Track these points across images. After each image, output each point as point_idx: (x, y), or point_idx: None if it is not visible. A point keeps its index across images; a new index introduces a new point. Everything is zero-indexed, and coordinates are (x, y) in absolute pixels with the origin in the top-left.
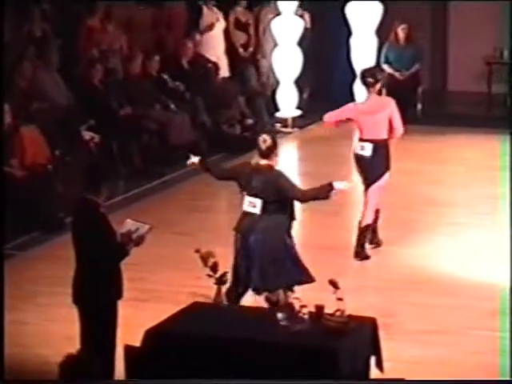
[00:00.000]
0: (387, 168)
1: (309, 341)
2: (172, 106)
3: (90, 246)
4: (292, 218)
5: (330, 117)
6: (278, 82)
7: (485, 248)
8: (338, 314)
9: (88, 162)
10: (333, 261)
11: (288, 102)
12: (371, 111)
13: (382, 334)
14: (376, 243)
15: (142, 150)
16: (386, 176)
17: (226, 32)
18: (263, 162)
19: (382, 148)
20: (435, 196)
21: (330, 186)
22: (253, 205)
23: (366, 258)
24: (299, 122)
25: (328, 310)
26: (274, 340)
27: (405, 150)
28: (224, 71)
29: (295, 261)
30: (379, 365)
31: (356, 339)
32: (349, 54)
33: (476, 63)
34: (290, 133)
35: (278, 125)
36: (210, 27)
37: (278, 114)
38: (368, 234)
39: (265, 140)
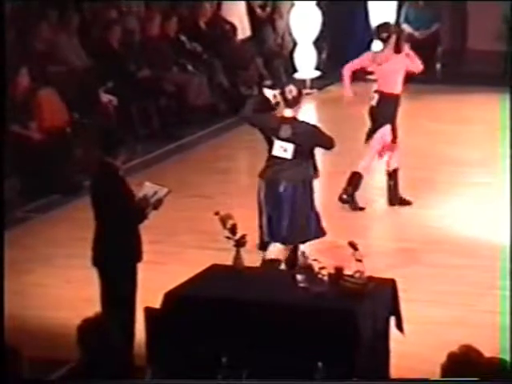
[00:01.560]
0: (388, 121)
1: (328, 302)
2: (190, 67)
3: (109, 208)
4: (316, 169)
5: (349, 67)
6: (295, 43)
7: (502, 208)
8: (357, 275)
9: (106, 125)
10: (350, 222)
11: (306, 63)
12: (383, 61)
13: (401, 295)
14: (399, 203)
15: (160, 113)
16: (387, 128)
17: None
18: (289, 112)
19: (387, 100)
20: (454, 156)
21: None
22: (284, 149)
23: (406, 202)
24: (317, 83)
25: (347, 272)
26: (294, 302)
27: (423, 109)
28: (245, 32)
29: (317, 214)
30: (399, 326)
31: (375, 300)
32: (367, 15)
33: (496, 22)
34: (308, 94)
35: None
36: None
37: (296, 75)
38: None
39: (291, 90)
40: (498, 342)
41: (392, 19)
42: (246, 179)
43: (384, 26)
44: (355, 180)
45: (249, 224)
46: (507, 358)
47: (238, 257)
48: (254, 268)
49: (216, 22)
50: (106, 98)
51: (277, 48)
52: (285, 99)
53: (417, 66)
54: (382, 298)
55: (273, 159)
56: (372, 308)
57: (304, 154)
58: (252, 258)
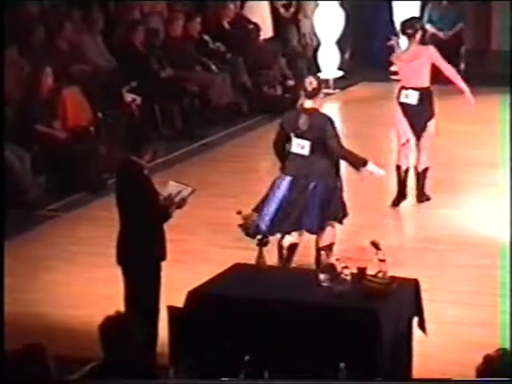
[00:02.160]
0: (433, 114)
1: (351, 302)
2: (213, 67)
3: (134, 207)
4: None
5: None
6: (319, 43)
7: None
8: (380, 275)
9: (130, 124)
10: (374, 222)
11: (329, 63)
12: (411, 59)
13: (423, 295)
14: (425, 199)
15: (183, 112)
16: (433, 122)
17: None
18: (309, 103)
19: (425, 95)
20: (478, 157)
21: (364, 163)
22: (301, 146)
23: (428, 199)
24: (340, 83)
25: (370, 272)
26: (316, 302)
27: (447, 110)
28: (268, 31)
29: (342, 201)
30: (422, 326)
31: (398, 300)
32: (391, 15)
33: None
34: (331, 94)
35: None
36: None
37: (319, 75)
38: (426, 179)
39: (311, 82)
40: None
41: None
42: (268, 179)
43: (410, 22)
44: (425, 176)
45: None
46: None
47: (260, 256)
48: (277, 267)
49: (239, 22)
50: (129, 97)
51: (300, 48)
52: (305, 90)
53: (446, 68)
54: (405, 298)
55: (292, 155)
56: (395, 308)
57: (322, 150)
58: (275, 258)
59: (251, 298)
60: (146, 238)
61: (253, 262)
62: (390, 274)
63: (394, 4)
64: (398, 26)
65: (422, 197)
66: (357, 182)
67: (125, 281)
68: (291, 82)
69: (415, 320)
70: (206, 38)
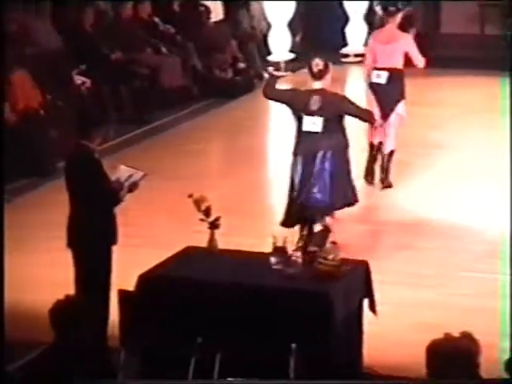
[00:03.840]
0: (402, 96)
1: (302, 284)
2: (163, 49)
3: (84, 191)
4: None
5: (368, 69)
6: (270, 26)
7: (481, 191)
8: (330, 257)
9: (80, 107)
10: None
11: (280, 46)
12: (386, 41)
13: (375, 277)
14: (387, 185)
15: (133, 95)
16: (402, 104)
17: None
18: (317, 84)
19: (396, 76)
20: (431, 139)
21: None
22: (313, 122)
23: (389, 186)
24: (292, 66)
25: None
26: (268, 284)
27: None
28: (218, 14)
29: (353, 181)
30: (372, 307)
31: (349, 282)
32: None
33: (469, 5)
34: (282, 76)
35: (271, 68)
36: None
37: (270, 58)
38: (390, 162)
39: (317, 64)
40: (468, 325)
41: (365, 1)
42: (220, 161)
43: (393, 1)
44: (390, 160)
45: (223, 206)
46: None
47: (212, 239)
48: (228, 250)
49: (189, 5)
50: (79, 80)
51: (251, 31)
52: (311, 72)
53: (418, 60)
54: (356, 280)
55: (304, 135)
56: (345, 290)
57: (334, 126)
58: (226, 241)
59: (202, 280)
60: (96, 222)
61: (204, 245)
62: (340, 256)
63: None
64: (347, 8)
65: (385, 181)
66: None
67: (75, 264)
68: (242, 65)
69: (366, 301)
70: (156, 20)
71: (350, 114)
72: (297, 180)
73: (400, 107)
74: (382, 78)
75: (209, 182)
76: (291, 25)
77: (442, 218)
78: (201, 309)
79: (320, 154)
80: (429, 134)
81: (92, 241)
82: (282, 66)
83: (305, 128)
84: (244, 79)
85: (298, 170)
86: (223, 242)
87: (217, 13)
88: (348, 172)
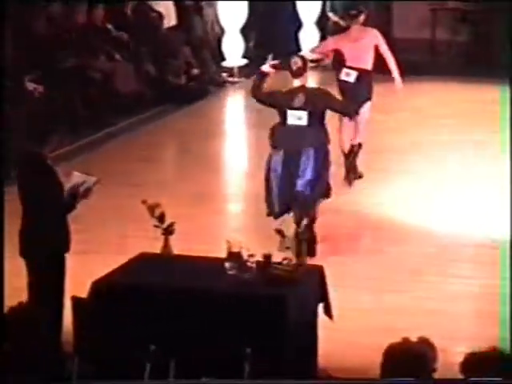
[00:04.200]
0: (369, 96)
1: (257, 289)
2: (117, 55)
3: (37, 198)
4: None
5: (313, 51)
6: (223, 31)
7: (436, 195)
8: (285, 262)
9: (33, 113)
10: None
11: (234, 51)
12: (354, 39)
13: (331, 281)
14: (358, 177)
15: (87, 101)
16: (369, 104)
17: None
18: (297, 82)
19: (364, 76)
20: (384, 143)
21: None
22: (298, 117)
23: (360, 176)
24: (245, 71)
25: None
26: (222, 290)
27: None
28: (171, 20)
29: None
30: (327, 312)
31: (304, 287)
32: (294, 3)
33: (421, 10)
34: (236, 82)
35: (225, 74)
36: None
37: (224, 64)
38: (357, 156)
39: (296, 61)
40: (428, 328)
41: (318, 8)
42: (174, 167)
43: (354, 5)
44: (357, 152)
45: (177, 212)
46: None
47: (166, 245)
48: (183, 256)
49: (142, 11)
50: (32, 86)
51: (204, 36)
52: (291, 70)
53: (387, 56)
54: (311, 284)
55: (287, 128)
56: (301, 294)
57: (318, 120)
58: (181, 246)
59: (157, 287)
60: (49, 229)
61: (159, 251)
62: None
63: None
64: (300, 13)
65: (355, 173)
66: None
67: (28, 272)
68: (196, 71)
69: (321, 306)
70: (109, 26)
71: (333, 109)
72: (278, 172)
73: (367, 106)
74: (351, 76)
75: (163, 187)
76: (244, 30)
77: (401, 222)
78: (155, 315)
79: (304, 148)
80: (380, 138)
81: (44, 248)
82: (236, 71)
83: (289, 122)
84: (198, 85)
85: (279, 162)
86: (178, 248)
87: (170, 18)
88: (328, 166)
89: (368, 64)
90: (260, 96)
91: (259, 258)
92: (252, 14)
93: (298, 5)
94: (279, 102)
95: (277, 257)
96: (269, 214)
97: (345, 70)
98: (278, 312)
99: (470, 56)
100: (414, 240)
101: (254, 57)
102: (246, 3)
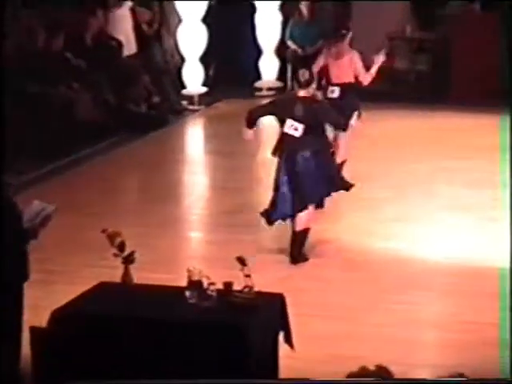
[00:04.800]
0: (355, 108)
1: (217, 318)
2: (76, 84)
3: None
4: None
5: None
6: (183, 59)
7: (396, 221)
8: (246, 290)
9: None
10: (240, 238)
11: (194, 80)
12: (339, 57)
13: (290, 309)
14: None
15: (47, 129)
16: (355, 116)
17: (133, 9)
18: (302, 92)
19: (349, 91)
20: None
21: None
22: (294, 128)
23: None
24: (206, 100)
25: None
26: (183, 318)
27: None
28: (131, 48)
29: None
30: (288, 340)
31: (264, 315)
32: (254, 31)
33: (379, 38)
34: (196, 110)
35: (185, 102)
36: (117, 5)
37: (184, 92)
38: (342, 169)
39: (303, 73)
40: (386, 355)
41: (277, 35)
42: (134, 196)
43: (343, 22)
44: (342, 167)
45: (137, 241)
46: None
47: (126, 274)
48: (143, 285)
49: (102, 38)
50: None
51: (164, 64)
52: (298, 81)
53: (362, 77)
54: (271, 312)
55: (285, 137)
56: (261, 323)
57: (314, 132)
58: (142, 275)
59: (117, 316)
60: (7, 258)
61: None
62: (256, 289)
63: (257, 21)
64: (260, 41)
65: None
66: (226, 196)
67: None
68: (156, 99)
69: (281, 334)
70: (68, 55)
71: (327, 122)
72: (280, 179)
73: (353, 119)
74: (335, 93)
75: (124, 216)
76: (204, 59)
77: (358, 248)
78: (115, 344)
79: (302, 155)
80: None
81: (2, 278)
82: (196, 99)
83: (286, 130)
84: (158, 113)
85: (280, 172)
86: (138, 277)
87: (130, 47)
88: (330, 169)
89: (351, 78)
90: (255, 116)
91: (220, 286)
92: (212, 42)
93: (258, 33)
94: (278, 110)
95: (238, 285)
96: (263, 215)
97: (330, 88)
98: (239, 340)
99: (429, 85)
100: (375, 267)
101: (213, 85)
102: (206, 32)
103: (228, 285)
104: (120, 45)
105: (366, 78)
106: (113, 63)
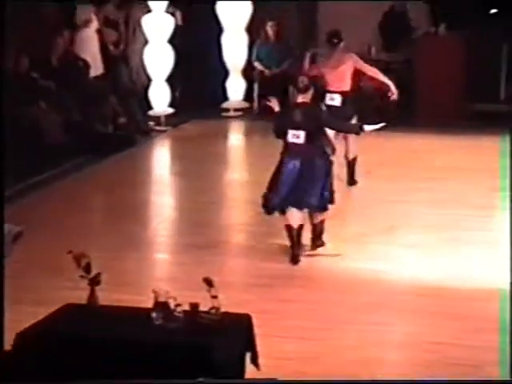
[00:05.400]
0: (354, 112)
1: (183, 339)
2: (43, 104)
3: None
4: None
5: (304, 71)
6: (150, 80)
7: (363, 242)
8: (212, 311)
9: None
10: (207, 259)
11: (160, 100)
12: (336, 65)
13: (257, 330)
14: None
15: (14, 150)
16: (355, 118)
17: (99, 30)
18: (300, 98)
19: (348, 97)
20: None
21: (361, 127)
22: (296, 136)
23: (355, 183)
24: (172, 120)
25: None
26: (148, 340)
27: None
28: (98, 69)
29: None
30: (254, 361)
31: (231, 336)
32: (220, 52)
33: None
34: (163, 131)
35: (152, 123)
36: (84, 25)
37: (151, 112)
38: (355, 166)
39: (302, 80)
40: (354, 376)
41: (244, 56)
42: (100, 217)
43: (335, 33)
44: (355, 163)
45: (104, 262)
46: None
47: (92, 295)
48: (109, 306)
49: (68, 59)
50: None
51: (131, 85)
52: (297, 88)
53: (370, 71)
54: (238, 333)
55: (289, 145)
56: (228, 343)
57: (316, 137)
58: (107, 297)
59: (83, 338)
60: None
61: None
62: (222, 309)
63: (223, 42)
64: (227, 62)
65: (352, 182)
66: (191, 218)
67: None
68: (122, 120)
69: (248, 355)
70: (35, 75)
71: (328, 126)
72: (285, 177)
73: (353, 120)
74: (335, 100)
75: (90, 237)
76: (171, 79)
77: (325, 269)
78: (80, 366)
79: (305, 162)
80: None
81: None
82: (163, 120)
83: (289, 140)
84: (125, 134)
85: (286, 171)
86: (104, 298)
87: (97, 67)
88: (329, 177)
89: (348, 85)
90: (281, 131)
91: (186, 307)
92: (178, 62)
93: (224, 54)
94: (281, 121)
95: (205, 306)
96: (264, 206)
97: (329, 95)
98: (205, 361)
99: (394, 106)
100: (344, 288)
101: (180, 106)
102: (172, 52)
103: (194, 306)
104: (87, 65)
105: (374, 71)
106: (79, 84)
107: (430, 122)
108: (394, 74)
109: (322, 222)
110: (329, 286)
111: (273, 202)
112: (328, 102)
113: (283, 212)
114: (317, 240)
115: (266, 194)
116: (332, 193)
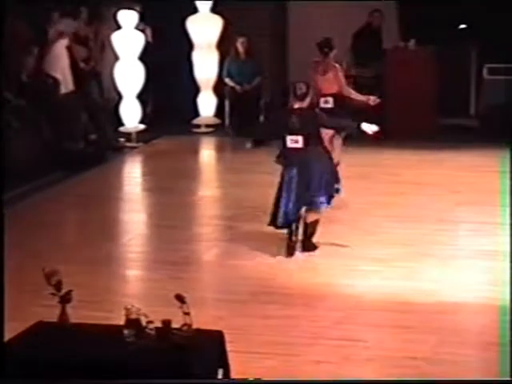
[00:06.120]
0: (348, 115)
1: (155, 356)
2: (14, 123)
3: None
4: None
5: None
6: (120, 96)
7: (336, 257)
8: (184, 328)
9: None
10: (179, 275)
11: (131, 117)
12: (325, 71)
13: (229, 347)
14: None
15: None
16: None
17: (69, 47)
18: (298, 104)
19: (339, 100)
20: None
21: (359, 125)
22: (295, 141)
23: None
24: (143, 137)
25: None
26: (120, 357)
27: (251, 163)
28: (68, 85)
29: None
30: (226, 377)
31: (203, 352)
32: (191, 68)
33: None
34: (134, 147)
35: (123, 139)
36: (53, 42)
37: (121, 129)
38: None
39: (300, 87)
40: None
41: (215, 73)
42: (72, 234)
43: (327, 41)
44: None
45: (75, 279)
46: None
47: (63, 313)
48: (81, 324)
49: (38, 76)
50: None
51: (102, 101)
52: (295, 94)
53: (343, 88)
54: (210, 350)
55: (288, 150)
56: (200, 360)
57: (314, 140)
58: (78, 314)
59: (54, 356)
60: None
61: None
62: (194, 326)
63: (194, 58)
64: (197, 78)
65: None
66: (164, 235)
67: None
68: (93, 136)
69: (220, 372)
70: (6, 93)
71: (326, 125)
72: (286, 188)
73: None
74: (329, 103)
75: (61, 254)
76: (142, 96)
77: (297, 285)
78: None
79: (306, 165)
80: None
81: None
82: (134, 136)
83: (288, 145)
84: (95, 150)
85: (289, 179)
86: (76, 315)
87: (67, 84)
88: (333, 174)
89: (339, 88)
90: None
91: (158, 324)
92: (149, 79)
93: (195, 70)
94: (278, 127)
95: (177, 323)
96: (270, 225)
97: (322, 99)
98: (177, 378)
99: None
100: (314, 303)
101: (151, 122)
102: (143, 69)
103: (166, 323)
104: (57, 82)
105: (349, 92)
106: (50, 101)
107: (399, 136)
108: (364, 89)
109: (316, 222)
110: (300, 301)
111: (279, 219)
112: (322, 105)
113: (289, 227)
114: (307, 241)
115: (273, 210)
116: (338, 182)
